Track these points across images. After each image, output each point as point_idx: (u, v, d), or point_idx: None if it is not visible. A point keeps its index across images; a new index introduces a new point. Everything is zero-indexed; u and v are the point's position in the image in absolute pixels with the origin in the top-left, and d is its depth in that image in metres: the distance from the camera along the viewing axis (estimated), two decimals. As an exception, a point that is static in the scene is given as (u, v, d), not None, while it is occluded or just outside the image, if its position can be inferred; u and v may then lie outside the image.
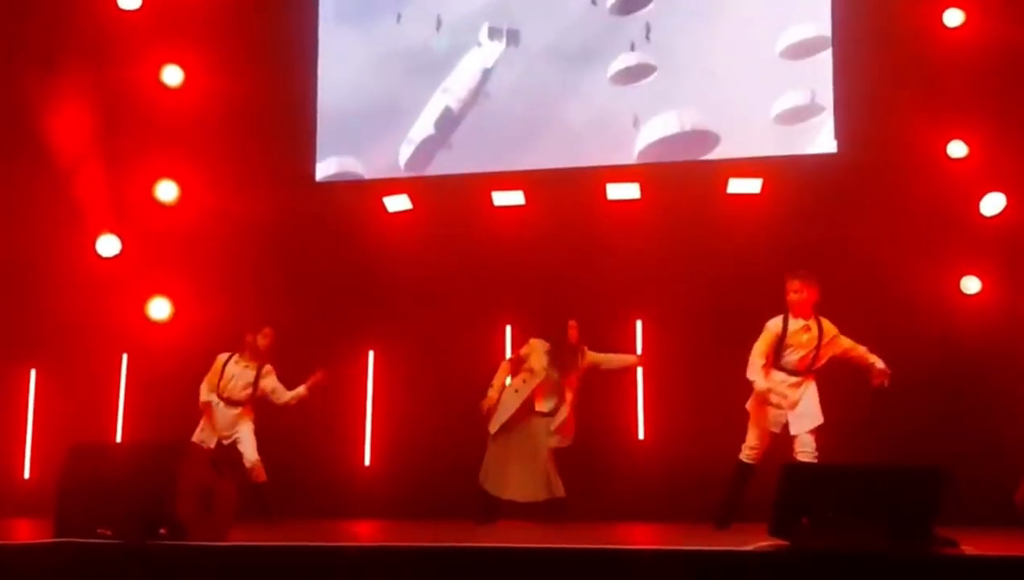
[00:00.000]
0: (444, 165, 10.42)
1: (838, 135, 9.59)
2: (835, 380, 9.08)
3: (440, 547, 5.85)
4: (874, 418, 8.88)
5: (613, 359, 9.11)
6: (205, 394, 9.14)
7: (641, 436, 9.70)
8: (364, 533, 8.33)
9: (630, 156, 10.05)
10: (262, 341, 9.18)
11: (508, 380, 8.98)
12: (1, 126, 10.69)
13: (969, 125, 9.16)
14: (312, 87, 10.78)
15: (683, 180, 9.84)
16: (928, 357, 9.01)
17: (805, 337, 7.93)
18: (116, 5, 10.57)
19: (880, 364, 7.87)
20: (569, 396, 8.88)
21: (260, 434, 9.18)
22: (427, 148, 10.47)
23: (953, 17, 9.34)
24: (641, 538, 7.78)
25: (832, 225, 9.40)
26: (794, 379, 7.95)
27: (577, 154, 10.10)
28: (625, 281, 9.77)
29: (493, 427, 8.86)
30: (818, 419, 7.93)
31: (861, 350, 7.95)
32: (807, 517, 5.49)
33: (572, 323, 8.98)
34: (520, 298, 9.97)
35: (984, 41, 9.18)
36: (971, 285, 9.15)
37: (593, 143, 10.10)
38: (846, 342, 7.97)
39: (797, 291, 7.94)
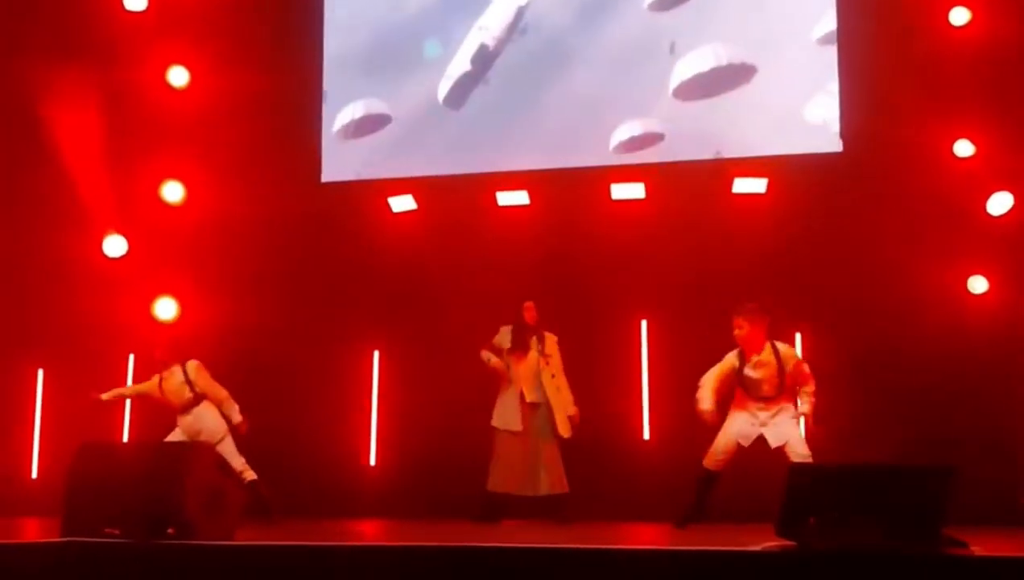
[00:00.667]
0: (480, 101, 10.41)
1: (844, 134, 9.57)
2: (842, 380, 9.12)
3: (446, 547, 5.85)
4: (881, 418, 8.89)
5: (561, 392, 9.02)
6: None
7: (646, 436, 9.69)
8: (370, 532, 8.33)
9: (666, 89, 9.99)
10: (160, 354, 9.20)
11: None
12: (7, 127, 10.71)
13: (976, 124, 9.15)
14: (317, 86, 10.78)
15: (688, 180, 9.83)
16: (935, 356, 9.01)
17: (762, 371, 7.94)
18: (122, 6, 10.59)
19: (805, 408, 7.91)
20: (562, 383, 8.93)
21: (266, 434, 9.18)
22: (464, 83, 10.47)
23: (959, 16, 9.33)
24: (647, 538, 7.78)
25: (838, 224, 9.39)
26: (767, 403, 7.96)
27: (615, 86, 10.08)
28: (630, 281, 9.76)
29: (495, 421, 8.94)
30: (798, 441, 7.92)
31: (808, 388, 7.95)
32: (814, 517, 5.49)
33: (528, 305, 9.06)
34: (525, 298, 9.94)
35: (990, 40, 9.17)
36: (978, 284, 9.14)
37: (630, 74, 10.06)
38: (805, 369, 8.00)
39: (739, 327, 7.96)
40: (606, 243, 9.91)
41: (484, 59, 10.44)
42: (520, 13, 10.43)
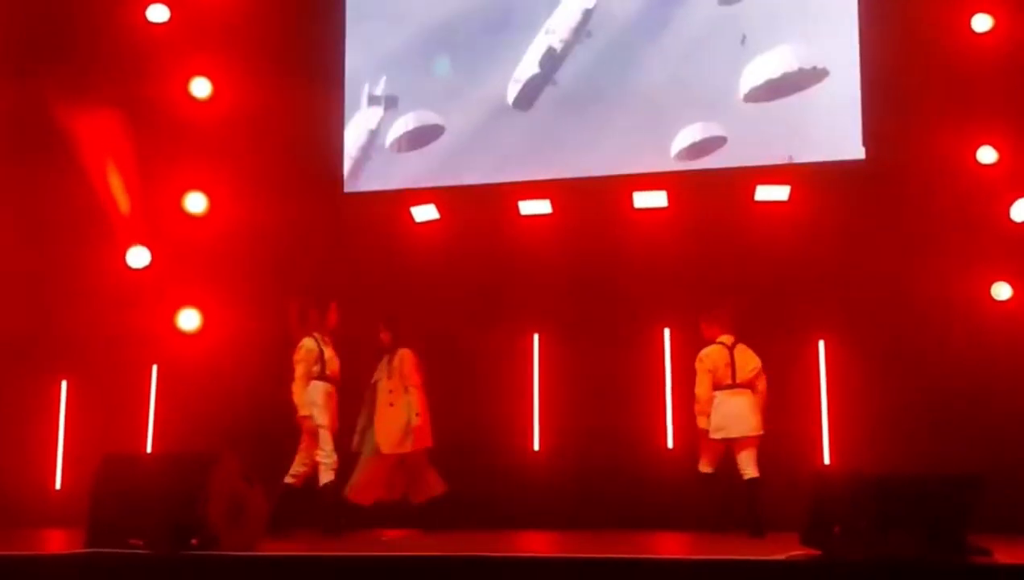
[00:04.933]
0: (551, 99, 10.37)
1: (866, 141, 9.54)
2: (866, 387, 9.09)
3: (462, 557, 5.85)
4: (905, 425, 8.85)
5: (395, 407, 9.17)
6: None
7: (670, 445, 9.66)
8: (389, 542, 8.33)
9: (734, 88, 9.93)
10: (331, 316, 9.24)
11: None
12: (32, 139, 10.75)
13: (998, 130, 9.11)
14: (340, 96, 10.81)
15: (711, 188, 9.80)
16: (960, 363, 8.97)
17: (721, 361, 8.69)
18: (145, 19, 10.65)
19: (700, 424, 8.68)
20: (411, 397, 9.11)
21: (289, 446, 9.20)
22: (534, 84, 10.45)
23: (982, 22, 9.29)
24: (673, 548, 7.76)
25: (861, 231, 9.36)
26: (730, 392, 8.61)
27: (687, 77, 10.02)
28: (653, 289, 9.75)
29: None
30: (749, 427, 8.54)
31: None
32: (839, 526, 5.47)
33: (381, 326, 9.33)
34: (547, 307, 9.97)
35: (1013, 46, 9.14)
36: (1002, 291, 9.09)
37: (701, 65, 10.01)
38: (760, 385, 8.71)
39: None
40: (628, 251, 9.89)
41: (552, 62, 10.43)
42: (587, 16, 10.41)
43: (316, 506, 8.82)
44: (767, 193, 9.66)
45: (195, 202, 10.65)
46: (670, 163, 9.99)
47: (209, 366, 10.20)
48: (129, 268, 10.49)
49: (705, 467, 8.70)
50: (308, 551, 6.37)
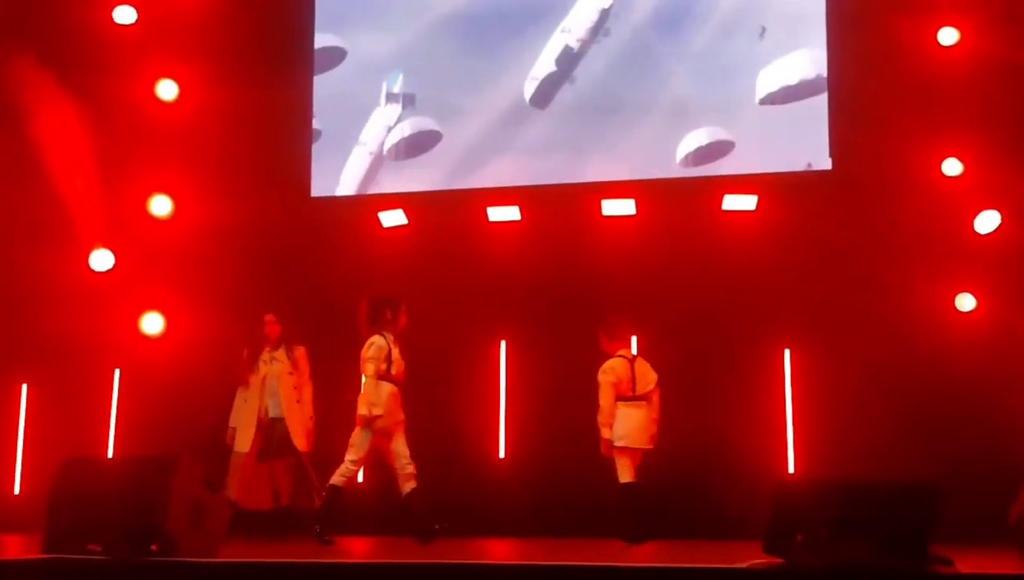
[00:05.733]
0: (568, 97, 10.34)
1: (833, 152, 9.59)
2: (831, 397, 9.13)
3: (433, 564, 5.82)
4: (868, 435, 8.89)
5: (302, 404, 9.24)
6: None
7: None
8: (357, 550, 8.29)
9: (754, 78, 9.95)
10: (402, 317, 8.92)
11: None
12: (-6, 139, 10.67)
13: (964, 143, 9.18)
14: (307, 101, 10.77)
15: (678, 196, 9.83)
16: (922, 374, 9.02)
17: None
18: (111, 20, 10.58)
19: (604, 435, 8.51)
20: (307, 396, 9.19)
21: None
22: (551, 81, 10.42)
23: (948, 36, 9.36)
24: (636, 555, 7.74)
25: (827, 242, 9.40)
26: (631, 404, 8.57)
27: (708, 81, 10.04)
28: (620, 297, 9.73)
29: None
30: (647, 439, 8.55)
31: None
32: (801, 534, 5.47)
33: (268, 318, 9.33)
34: (515, 313, 9.96)
35: (979, 59, 9.21)
36: (966, 302, 9.15)
37: (717, 62, 10.04)
38: (656, 398, 8.69)
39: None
40: (596, 259, 9.90)
41: (568, 60, 10.40)
42: (604, 15, 10.40)
43: (407, 516, 8.58)
44: (734, 202, 9.69)
45: (160, 205, 10.57)
46: (676, 169, 10.02)
47: (172, 370, 10.12)
48: (92, 271, 10.40)
49: (626, 476, 8.61)
50: (269, 558, 6.31)
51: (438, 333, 9.87)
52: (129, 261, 10.47)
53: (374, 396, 8.42)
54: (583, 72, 10.36)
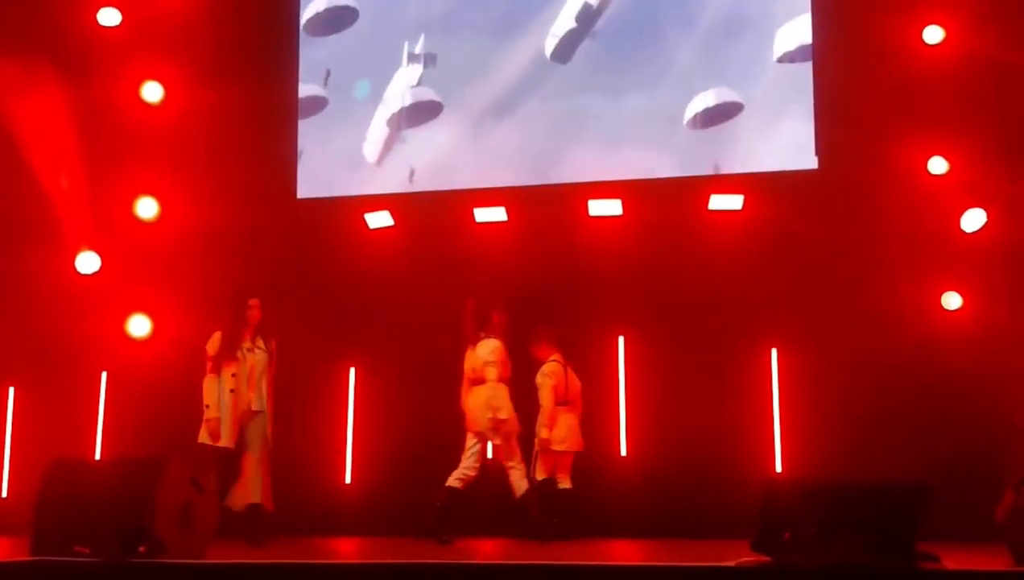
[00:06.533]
0: (587, 55, 10.26)
1: (819, 151, 9.61)
2: (817, 396, 9.15)
3: (421, 564, 5.82)
4: (855, 433, 8.92)
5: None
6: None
7: (623, 452, 9.67)
8: (346, 550, 8.29)
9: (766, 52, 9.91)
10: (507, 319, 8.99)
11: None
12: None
13: (950, 141, 9.20)
14: (293, 101, 10.76)
15: (665, 196, 9.84)
16: (909, 372, 9.04)
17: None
18: (96, 21, 10.55)
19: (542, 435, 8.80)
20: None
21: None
22: (570, 39, 10.36)
23: (933, 34, 9.38)
24: (624, 554, 7.75)
25: (813, 241, 9.41)
26: (564, 408, 8.93)
27: (718, 48, 10.01)
28: (607, 297, 9.76)
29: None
30: (579, 442, 8.97)
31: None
32: (789, 533, 5.49)
33: (252, 302, 8.70)
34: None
35: (964, 58, 9.23)
36: (952, 301, 9.17)
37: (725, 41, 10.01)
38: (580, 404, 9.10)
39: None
40: (583, 259, 9.90)
41: (588, 17, 10.33)
42: None
43: (524, 517, 8.70)
44: (721, 202, 9.70)
45: (146, 207, 10.53)
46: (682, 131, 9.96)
47: (159, 372, 10.08)
48: (78, 273, 10.36)
49: (542, 473, 8.85)
50: (257, 559, 6.31)
51: (427, 334, 9.87)
52: (116, 263, 10.43)
53: (500, 400, 8.63)
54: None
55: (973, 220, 9.15)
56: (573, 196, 9.99)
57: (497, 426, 8.64)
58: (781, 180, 9.65)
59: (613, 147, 10.10)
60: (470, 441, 8.79)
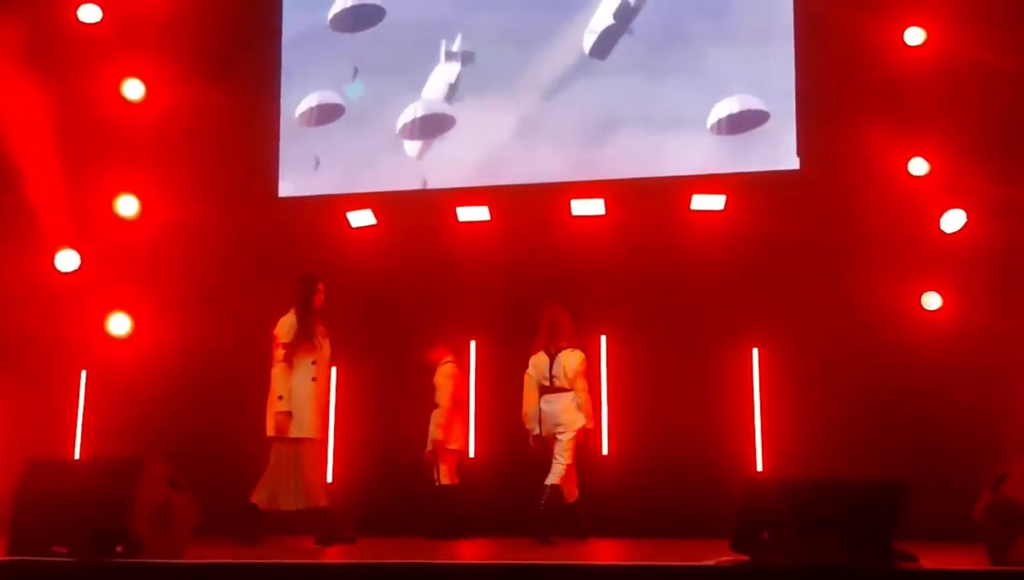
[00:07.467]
0: (625, 48, 10.25)
1: (801, 151, 9.64)
2: (798, 395, 9.17)
3: (403, 564, 5.81)
4: (836, 433, 8.94)
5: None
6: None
7: (605, 451, 9.67)
8: (331, 551, 8.25)
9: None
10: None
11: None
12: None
13: (930, 142, 9.24)
14: (275, 100, 10.73)
15: (647, 196, 9.85)
16: (889, 372, 9.08)
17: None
18: (76, 18, 10.50)
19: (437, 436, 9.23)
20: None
21: (221, 452, 9.10)
22: (609, 35, 10.35)
23: (914, 36, 9.42)
24: (604, 553, 7.76)
25: (794, 241, 9.44)
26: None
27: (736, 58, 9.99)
28: (589, 296, 9.76)
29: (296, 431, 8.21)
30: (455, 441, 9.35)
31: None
32: (768, 532, 5.49)
33: (320, 286, 8.53)
34: (484, 314, 9.94)
35: (945, 59, 9.27)
36: (932, 301, 9.21)
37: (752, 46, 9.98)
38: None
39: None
40: (565, 259, 9.91)
41: (626, 15, 10.34)
42: None
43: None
44: (703, 202, 9.72)
45: (126, 205, 10.49)
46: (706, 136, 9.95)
47: (139, 371, 10.04)
48: (58, 271, 10.31)
49: (447, 478, 9.30)
50: (235, 559, 6.28)
51: (407, 333, 9.87)
52: (95, 261, 10.39)
53: (589, 407, 8.72)
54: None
55: (953, 221, 9.19)
56: (556, 195, 9.99)
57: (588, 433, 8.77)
58: (762, 180, 9.67)
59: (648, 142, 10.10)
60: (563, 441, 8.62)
